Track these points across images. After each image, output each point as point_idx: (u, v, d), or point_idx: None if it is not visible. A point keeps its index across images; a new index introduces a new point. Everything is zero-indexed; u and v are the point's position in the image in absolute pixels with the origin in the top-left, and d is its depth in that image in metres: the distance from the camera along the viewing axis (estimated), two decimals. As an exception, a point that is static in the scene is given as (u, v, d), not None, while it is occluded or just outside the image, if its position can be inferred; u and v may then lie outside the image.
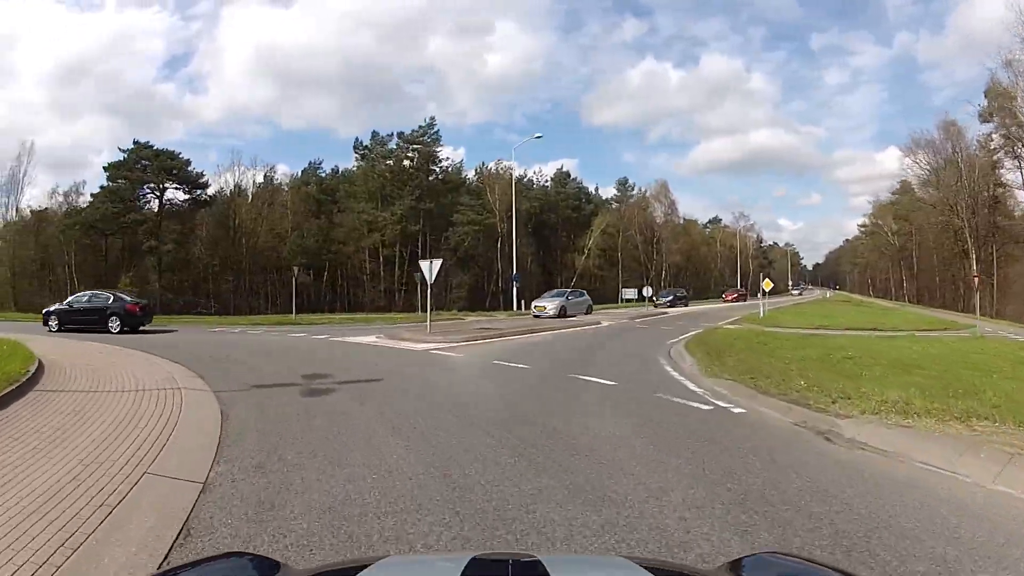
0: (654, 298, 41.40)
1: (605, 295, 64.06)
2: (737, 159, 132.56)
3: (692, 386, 8.14)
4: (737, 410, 6.58)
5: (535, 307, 28.34)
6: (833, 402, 6.33)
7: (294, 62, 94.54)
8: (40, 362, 9.10)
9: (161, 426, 5.66)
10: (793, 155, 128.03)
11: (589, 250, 65.97)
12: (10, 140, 73.22)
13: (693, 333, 17.00)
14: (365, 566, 1.11)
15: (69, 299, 20.45)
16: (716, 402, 7.03)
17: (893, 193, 66.25)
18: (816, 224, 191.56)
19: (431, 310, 18.07)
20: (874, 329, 19.27)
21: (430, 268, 16.86)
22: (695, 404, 6.88)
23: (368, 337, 16.53)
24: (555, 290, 35.75)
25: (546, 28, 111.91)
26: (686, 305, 44.85)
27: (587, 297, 32.58)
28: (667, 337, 16.24)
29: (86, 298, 19.86)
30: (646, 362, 11.08)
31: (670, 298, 45.30)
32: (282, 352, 12.60)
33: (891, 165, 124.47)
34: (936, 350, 12.35)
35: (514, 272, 41.19)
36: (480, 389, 8.21)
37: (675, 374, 9.37)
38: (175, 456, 4.69)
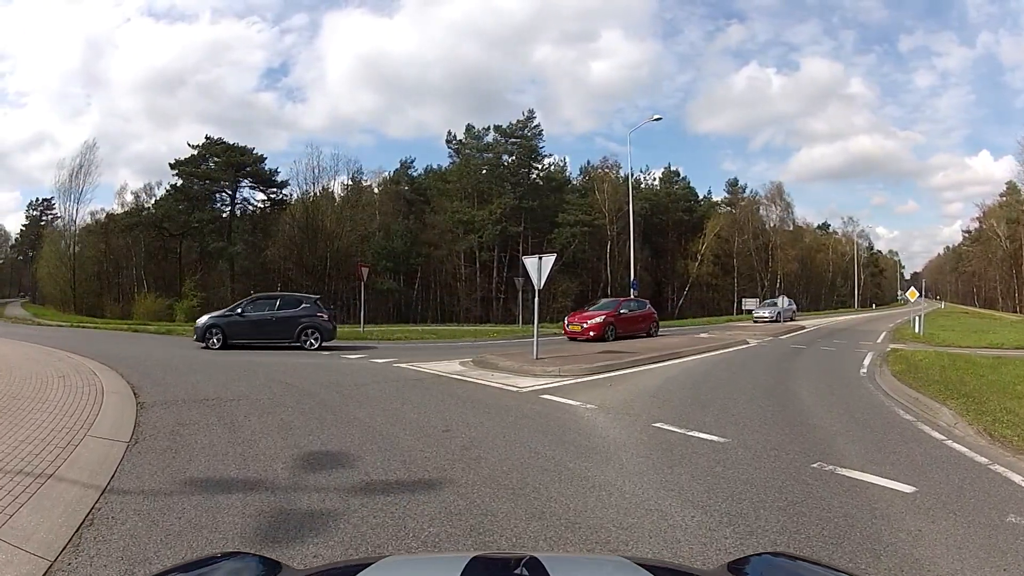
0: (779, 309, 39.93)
1: (719, 305, 61.81)
2: (837, 166, 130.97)
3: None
4: None
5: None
6: None
7: (399, 71, 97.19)
8: None
9: None
10: (890, 161, 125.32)
11: (703, 256, 62.03)
12: (106, 146, 77.98)
13: (873, 355, 15.12)
14: (366, 565, 1.12)
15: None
16: None
17: (1001, 195, 65.76)
18: (912, 232, 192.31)
19: (538, 325, 13.49)
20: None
21: (538, 267, 12.41)
22: None
23: (450, 363, 12.28)
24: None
25: (650, 35, 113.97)
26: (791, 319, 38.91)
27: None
28: (846, 364, 13.80)
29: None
30: (883, 418, 7.42)
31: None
32: (304, 394, 8.27)
33: (984, 169, 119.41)
34: None
35: (632, 278, 36.61)
36: (682, 541, 3.44)
37: (976, 456, 5.52)
38: None
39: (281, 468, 4.61)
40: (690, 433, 6.14)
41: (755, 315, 38.37)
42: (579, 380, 10.06)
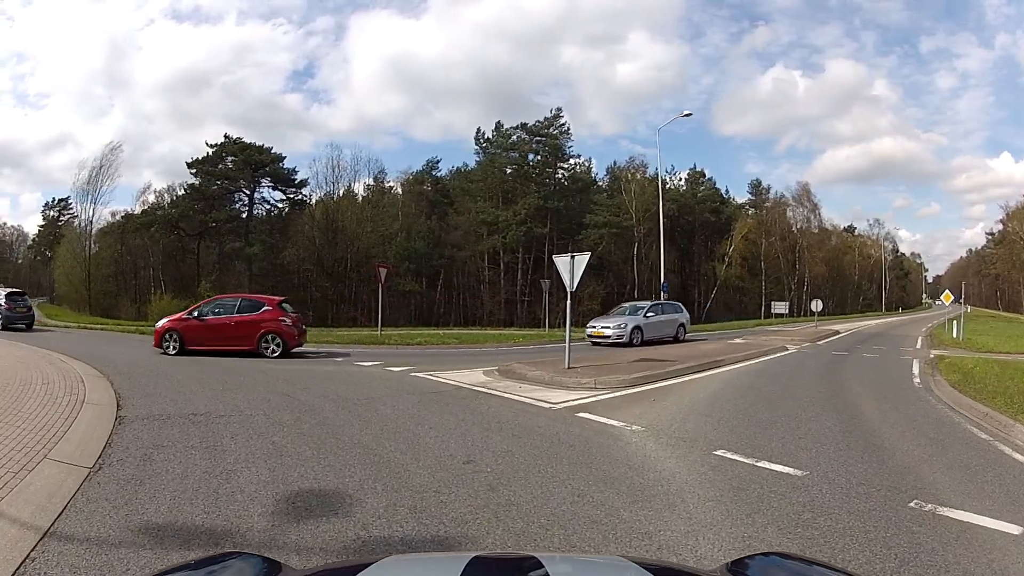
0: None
1: (747, 308, 61.12)
2: (859, 168, 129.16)
3: None
4: None
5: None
6: None
7: (425, 73, 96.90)
8: None
9: None
10: (913, 163, 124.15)
11: (730, 258, 61.25)
12: (129, 147, 78.86)
13: (920, 363, 14.91)
14: (366, 565, 1.11)
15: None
16: None
17: (1024, 195, 65.98)
18: (934, 235, 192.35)
19: (571, 329, 12.49)
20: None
21: (571, 267, 11.44)
22: None
23: (472, 372, 11.36)
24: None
25: (676, 38, 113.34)
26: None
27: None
28: (895, 372, 13.53)
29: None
30: (959, 438, 6.81)
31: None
32: (305, 409, 7.30)
33: (1006, 171, 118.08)
34: None
35: (662, 281, 35.53)
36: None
37: None
38: None
39: (258, 515, 3.70)
40: (759, 464, 5.21)
41: (588, 331, 20.43)
42: (617, 393, 9.09)
